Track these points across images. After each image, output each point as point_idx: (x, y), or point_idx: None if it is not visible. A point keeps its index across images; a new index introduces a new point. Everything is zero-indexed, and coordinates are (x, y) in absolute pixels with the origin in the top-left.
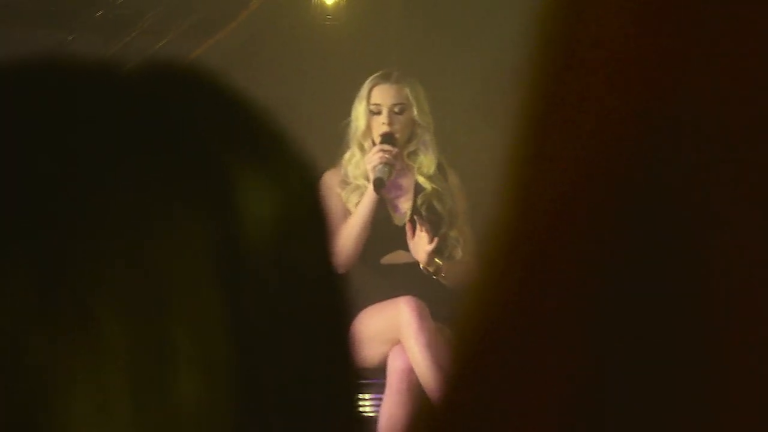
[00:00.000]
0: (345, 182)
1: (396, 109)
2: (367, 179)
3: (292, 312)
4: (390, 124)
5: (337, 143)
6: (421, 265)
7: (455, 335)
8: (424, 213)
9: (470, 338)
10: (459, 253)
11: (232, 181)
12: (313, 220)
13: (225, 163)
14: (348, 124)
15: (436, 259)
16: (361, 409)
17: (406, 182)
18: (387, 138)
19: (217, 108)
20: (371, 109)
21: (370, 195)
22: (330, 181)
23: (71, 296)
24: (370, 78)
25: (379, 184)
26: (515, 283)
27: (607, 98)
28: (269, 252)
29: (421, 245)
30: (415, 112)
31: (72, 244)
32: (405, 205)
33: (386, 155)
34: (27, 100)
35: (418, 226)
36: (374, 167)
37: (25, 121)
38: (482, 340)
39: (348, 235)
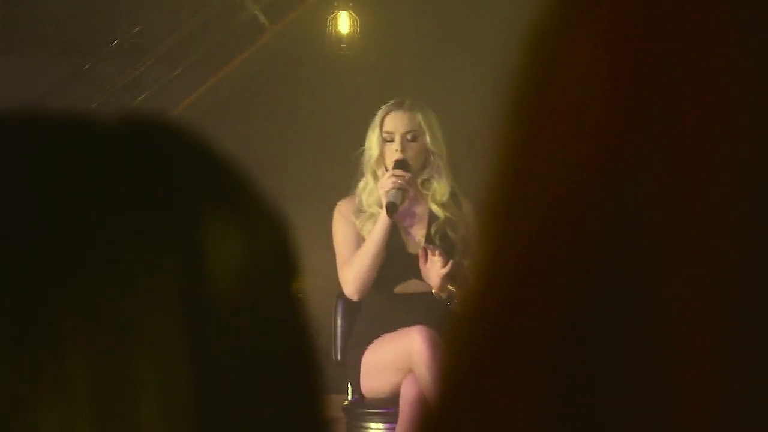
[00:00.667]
0: (360, 211)
1: (409, 137)
2: (381, 207)
3: (257, 354)
4: (403, 150)
5: (351, 172)
6: (433, 291)
7: (450, 338)
8: (437, 241)
9: (465, 341)
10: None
11: (200, 228)
12: (280, 266)
13: (194, 211)
14: (362, 153)
15: (449, 285)
16: None
17: (420, 210)
18: (400, 164)
19: (189, 160)
20: (384, 137)
21: (383, 220)
22: (344, 209)
23: (40, 330)
24: (383, 106)
25: (392, 209)
26: (510, 285)
27: (606, 99)
28: (235, 296)
29: (434, 270)
30: (428, 140)
31: (43, 282)
32: (419, 233)
33: (399, 180)
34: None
35: (430, 252)
36: (387, 192)
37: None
38: (478, 343)
39: (362, 261)
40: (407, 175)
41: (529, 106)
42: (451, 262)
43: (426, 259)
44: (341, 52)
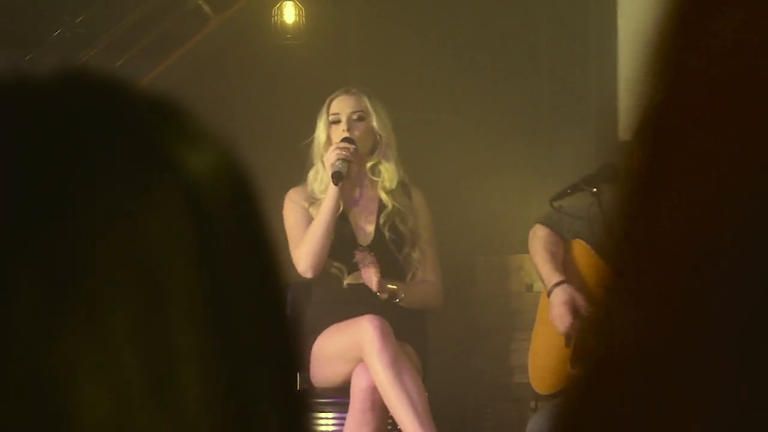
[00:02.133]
0: (312, 198)
1: (355, 117)
2: None
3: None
4: (349, 130)
5: (300, 162)
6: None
7: (590, 348)
8: (386, 232)
9: (606, 350)
10: (419, 274)
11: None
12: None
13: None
14: (311, 143)
15: (389, 285)
16: (311, 423)
17: (370, 199)
18: (346, 140)
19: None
20: (331, 120)
21: (331, 191)
22: (295, 196)
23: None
24: (332, 94)
25: (337, 177)
26: (648, 297)
27: (750, 107)
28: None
29: (370, 275)
30: (375, 122)
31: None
32: (368, 224)
33: (343, 152)
34: None
35: (362, 258)
36: (332, 164)
37: None
38: (620, 349)
39: (314, 236)
40: (352, 147)
41: (671, 108)
42: (375, 277)
43: (364, 264)
44: (287, 42)
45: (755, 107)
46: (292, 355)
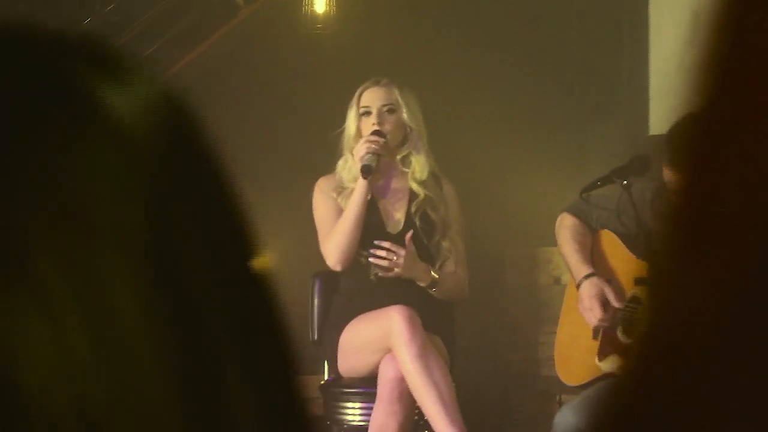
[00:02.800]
0: (341, 187)
1: (385, 109)
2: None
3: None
4: (380, 123)
5: (330, 152)
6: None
7: (640, 344)
8: (417, 220)
9: (655, 344)
10: (450, 265)
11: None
12: (239, 244)
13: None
14: (341, 133)
15: (432, 272)
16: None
17: (400, 188)
18: (375, 133)
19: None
20: (361, 112)
21: (360, 185)
22: (324, 186)
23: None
24: (362, 85)
25: (366, 171)
26: (698, 285)
27: None
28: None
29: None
30: (405, 114)
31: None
32: (399, 212)
33: (373, 145)
34: None
35: (410, 243)
36: (362, 157)
37: None
38: (668, 345)
39: (342, 230)
40: (381, 140)
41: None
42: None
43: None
44: (317, 32)
45: None
46: (275, 342)
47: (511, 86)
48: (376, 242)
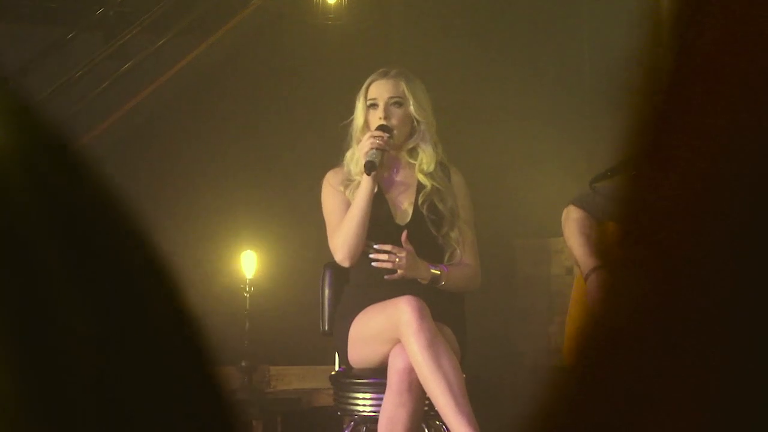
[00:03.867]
0: (348, 180)
1: (392, 102)
2: None
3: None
4: (386, 117)
5: (338, 143)
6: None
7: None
8: (425, 211)
9: (601, 338)
10: (458, 255)
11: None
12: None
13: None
14: (350, 124)
15: (433, 270)
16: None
17: (408, 180)
18: (381, 127)
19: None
20: (368, 104)
21: (365, 181)
22: (333, 179)
23: None
24: (370, 76)
25: (370, 167)
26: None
27: (738, 96)
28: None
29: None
30: (412, 107)
31: None
32: (406, 203)
33: (377, 141)
34: None
35: (406, 242)
36: (366, 153)
37: None
38: (615, 339)
39: (349, 226)
40: (385, 136)
41: (662, 99)
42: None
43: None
44: (329, 23)
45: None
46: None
47: (523, 77)
48: (375, 246)
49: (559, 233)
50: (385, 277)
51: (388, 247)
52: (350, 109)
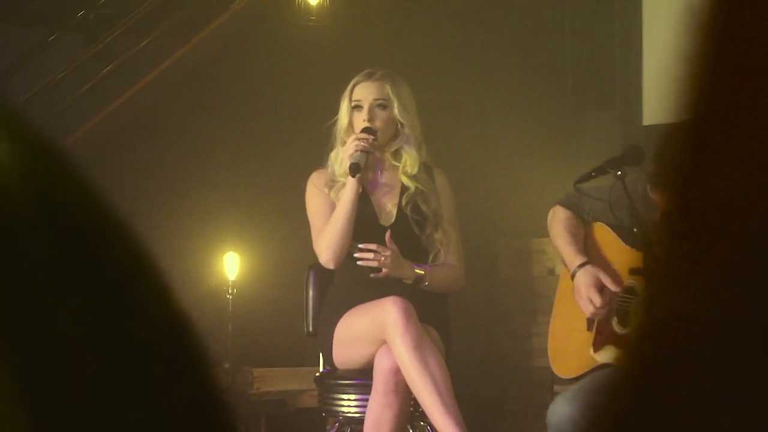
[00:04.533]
0: (333, 181)
1: (377, 105)
2: None
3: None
4: (370, 119)
5: (322, 144)
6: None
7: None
8: (409, 212)
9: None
10: (442, 256)
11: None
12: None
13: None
14: (333, 125)
15: (417, 270)
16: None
17: (392, 182)
18: (366, 130)
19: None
20: (353, 106)
21: (350, 183)
22: (317, 181)
23: None
24: (356, 77)
25: (354, 169)
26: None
27: None
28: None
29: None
30: (397, 110)
31: None
32: (390, 204)
33: (362, 143)
34: None
35: (390, 242)
36: (350, 155)
37: None
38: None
39: (334, 227)
40: (370, 138)
41: (710, 102)
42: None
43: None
44: (311, 24)
45: None
46: None
47: (506, 78)
48: (360, 246)
49: (542, 234)
50: (371, 275)
51: (373, 246)
52: (334, 110)
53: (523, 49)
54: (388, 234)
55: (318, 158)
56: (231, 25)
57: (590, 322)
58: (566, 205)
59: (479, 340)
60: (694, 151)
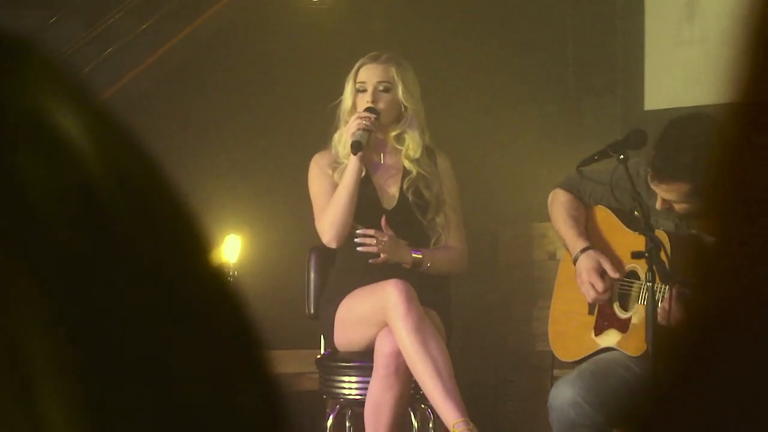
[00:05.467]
0: (336, 162)
1: (381, 88)
2: None
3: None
4: (374, 101)
5: (325, 126)
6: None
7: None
8: (410, 196)
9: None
10: (443, 239)
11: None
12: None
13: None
14: (337, 106)
15: (414, 255)
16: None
17: (394, 165)
18: (368, 109)
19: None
20: (357, 88)
21: (352, 162)
22: (321, 161)
23: None
24: (361, 59)
25: (356, 147)
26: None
27: None
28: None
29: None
30: (401, 93)
31: None
32: (392, 187)
33: (364, 121)
34: None
35: (386, 227)
36: (353, 133)
37: None
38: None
39: (336, 207)
40: (372, 117)
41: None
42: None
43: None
44: (312, 6)
45: None
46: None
47: (508, 62)
48: (359, 231)
49: (543, 219)
50: (369, 261)
51: (371, 232)
52: (336, 92)
53: (525, 34)
54: (383, 219)
55: (321, 140)
56: (232, 8)
57: (591, 306)
58: (567, 187)
59: (480, 324)
60: (746, 137)
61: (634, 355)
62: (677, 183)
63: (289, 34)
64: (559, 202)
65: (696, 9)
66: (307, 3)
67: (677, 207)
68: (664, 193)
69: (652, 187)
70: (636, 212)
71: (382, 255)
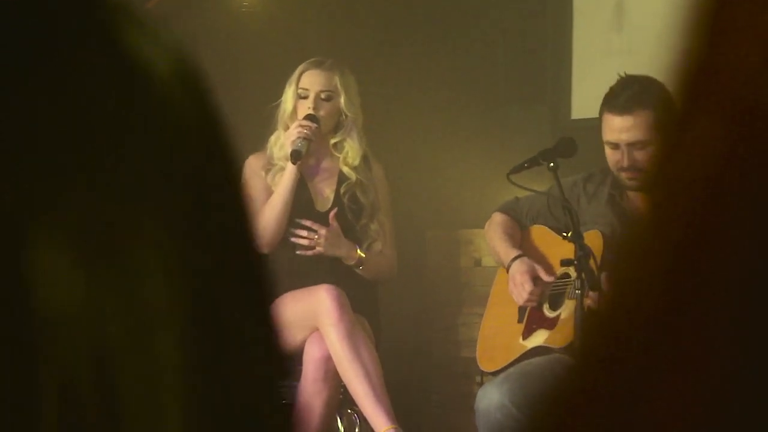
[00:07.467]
0: (270, 164)
1: (323, 96)
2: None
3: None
4: (315, 109)
5: (258, 129)
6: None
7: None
8: (346, 201)
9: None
10: (378, 246)
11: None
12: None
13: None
14: (273, 109)
15: (358, 252)
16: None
17: (330, 168)
18: (309, 117)
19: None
20: (299, 94)
21: (289, 170)
22: (255, 164)
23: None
24: (303, 63)
25: (296, 156)
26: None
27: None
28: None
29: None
30: (343, 102)
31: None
32: (327, 190)
33: (305, 130)
34: None
35: (333, 221)
36: (293, 141)
37: None
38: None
39: (270, 213)
40: (313, 126)
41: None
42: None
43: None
44: (244, 10)
45: None
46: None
47: (438, 71)
48: (297, 221)
49: (469, 225)
50: (297, 252)
51: (308, 223)
52: (270, 96)
53: (455, 44)
54: (332, 213)
55: (253, 142)
56: (161, 9)
57: (521, 312)
58: (504, 210)
59: (407, 330)
60: (685, 148)
61: (562, 345)
62: (632, 114)
63: (221, 37)
64: (495, 223)
65: (624, 20)
66: (238, 6)
67: (638, 155)
68: (622, 134)
69: (608, 135)
70: (565, 234)
71: (317, 248)
